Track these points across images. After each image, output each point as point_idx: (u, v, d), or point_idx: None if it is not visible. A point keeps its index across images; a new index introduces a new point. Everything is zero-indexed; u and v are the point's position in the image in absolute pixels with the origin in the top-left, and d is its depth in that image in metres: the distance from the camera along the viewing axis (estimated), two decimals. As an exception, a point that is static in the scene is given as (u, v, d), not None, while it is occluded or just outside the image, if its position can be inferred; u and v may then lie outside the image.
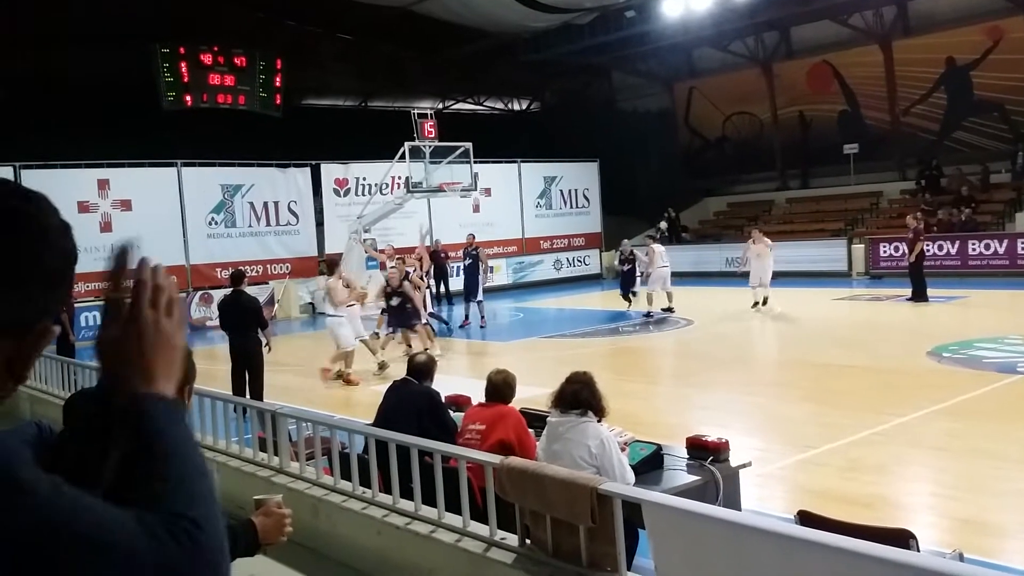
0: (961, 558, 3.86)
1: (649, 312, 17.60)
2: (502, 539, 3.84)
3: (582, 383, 4.71)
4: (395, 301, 13.25)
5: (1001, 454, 7.28)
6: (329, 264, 12.90)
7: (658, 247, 18.23)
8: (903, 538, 3.48)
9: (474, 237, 19.71)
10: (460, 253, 19.67)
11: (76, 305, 15.45)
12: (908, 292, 17.67)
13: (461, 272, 19.33)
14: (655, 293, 17.73)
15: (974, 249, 21.52)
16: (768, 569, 2.68)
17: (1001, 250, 21.17)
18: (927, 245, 18.38)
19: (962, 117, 24.91)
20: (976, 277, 20.51)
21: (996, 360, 11.14)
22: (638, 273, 18.44)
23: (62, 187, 19.46)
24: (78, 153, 19.78)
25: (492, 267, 24.89)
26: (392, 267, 14.31)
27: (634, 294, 18.64)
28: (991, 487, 6.57)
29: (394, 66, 28.99)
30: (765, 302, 16.88)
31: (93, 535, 0.95)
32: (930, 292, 17.31)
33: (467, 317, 18.32)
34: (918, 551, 3.42)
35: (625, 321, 17.42)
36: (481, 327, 17.89)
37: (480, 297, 18.06)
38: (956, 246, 21.72)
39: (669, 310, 17.95)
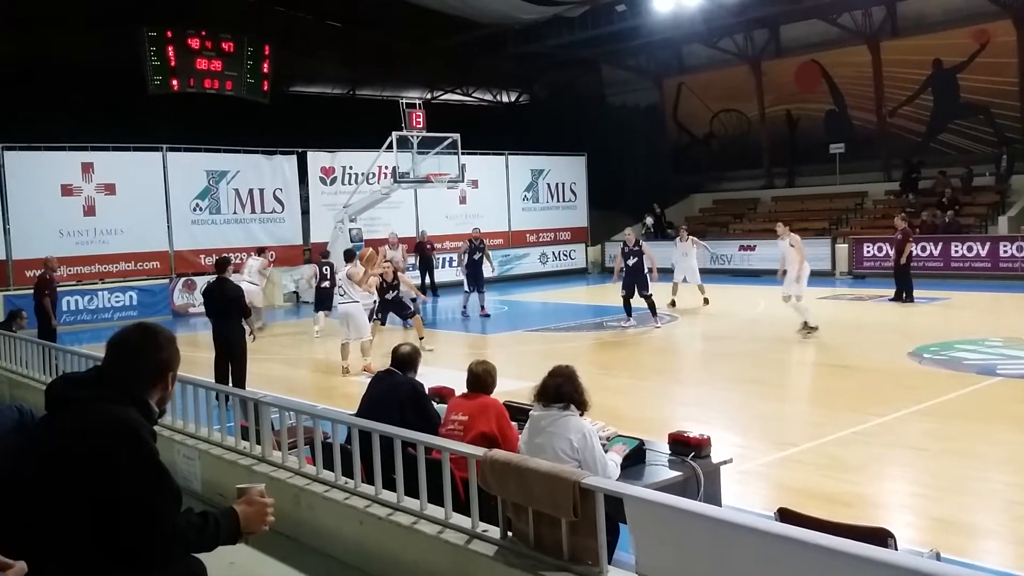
0: (938, 557, 3.89)
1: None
2: (484, 531, 3.84)
3: (565, 377, 4.71)
4: (390, 295, 14.23)
5: (979, 455, 7.35)
6: (348, 253, 13.43)
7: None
8: (881, 537, 3.51)
9: (479, 231, 20.17)
10: (463, 245, 19.86)
11: (59, 289, 15.32)
12: (890, 293, 17.78)
13: (460, 265, 19.57)
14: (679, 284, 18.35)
15: (957, 251, 21.66)
16: (748, 565, 2.69)
17: (983, 253, 21.32)
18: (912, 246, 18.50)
19: (948, 119, 25.05)
20: (958, 279, 20.67)
21: (976, 362, 11.23)
22: (645, 268, 15.76)
23: (46, 170, 19.33)
24: (63, 136, 19.57)
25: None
26: (387, 262, 14.96)
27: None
28: (968, 487, 6.62)
29: (383, 55, 28.85)
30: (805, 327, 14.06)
31: None
32: (914, 293, 17.43)
33: (465, 307, 18.39)
34: (896, 550, 3.44)
35: (609, 316, 17.42)
36: (487, 316, 18.06)
37: (483, 289, 18.57)
38: (939, 248, 21.85)
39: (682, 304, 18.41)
